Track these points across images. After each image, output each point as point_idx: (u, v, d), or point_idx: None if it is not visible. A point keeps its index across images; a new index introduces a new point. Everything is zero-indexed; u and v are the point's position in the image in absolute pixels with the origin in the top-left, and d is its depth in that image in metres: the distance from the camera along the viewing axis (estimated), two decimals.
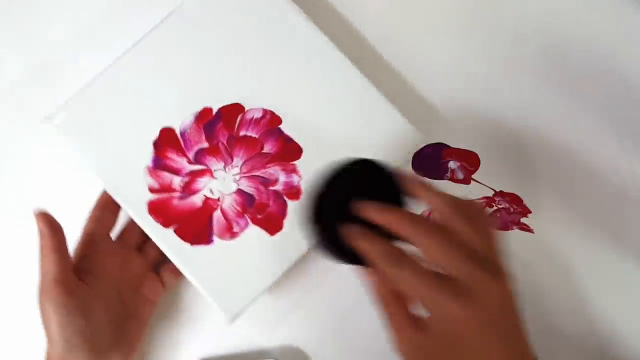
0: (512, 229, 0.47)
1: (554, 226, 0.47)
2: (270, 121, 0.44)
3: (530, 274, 0.45)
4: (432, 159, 0.48)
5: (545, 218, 0.47)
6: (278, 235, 0.43)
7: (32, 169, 0.49)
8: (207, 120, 0.44)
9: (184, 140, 0.43)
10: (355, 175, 0.36)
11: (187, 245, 0.42)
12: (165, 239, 0.42)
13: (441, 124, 0.48)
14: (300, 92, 0.44)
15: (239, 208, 0.43)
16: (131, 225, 0.45)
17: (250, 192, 0.43)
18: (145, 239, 0.44)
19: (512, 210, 0.47)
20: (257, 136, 0.44)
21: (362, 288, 0.44)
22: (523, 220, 0.47)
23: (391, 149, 0.43)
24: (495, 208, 0.48)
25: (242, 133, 0.44)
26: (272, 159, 0.43)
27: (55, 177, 0.48)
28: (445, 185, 0.47)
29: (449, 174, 0.48)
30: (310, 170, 0.43)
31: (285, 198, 0.43)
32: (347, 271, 0.45)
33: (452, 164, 0.48)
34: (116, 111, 0.43)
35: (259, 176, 0.43)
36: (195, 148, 0.43)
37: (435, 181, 0.47)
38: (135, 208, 0.42)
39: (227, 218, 0.43)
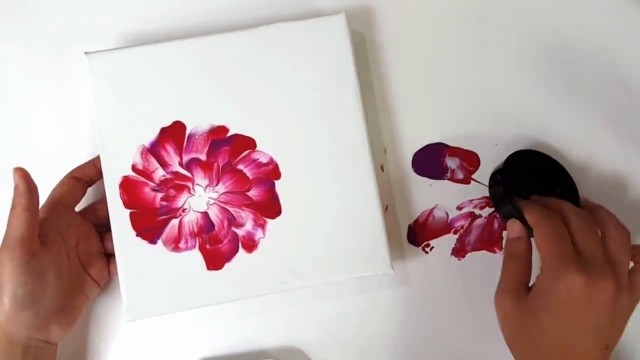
0: None
1: None
2: (271, 172, 0.44)
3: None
4: (432, 158, 0.48)
5: None
6: (213, 272, 0.43)
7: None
8: (218, 138, 0.44)
9: (188, 143, 0.44)
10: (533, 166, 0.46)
11: (133, 232, 0.43)
12: (119, 216, 0.43)
13: (441, 124, 0.49)
14: (313, 168, 0.44)
15: (195, 228, 0.43)
16: (100, 206, 0.46)
17: (214, 222, 0.43)
18: (108, 225, 0.43)
19: None
20: (251, 177, 0.44)
21: (361, 288, 0.46)
22: None
23: (361, 263, 0.43)
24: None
25: (239, 166, 0.44)
26: (251, 205, 0.44)
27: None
28: (445, 185, 0.48)
29: (449, 174, 0.48)
30: (277, 234, 0.43)
31: (240, 245, 0.43)
32: None
33: (452, 164, 0.48)
34: (149, 83, 0.44)
35: (230, 212, 0.44)
36: (193, 155, 0.44)
37: (435, 181, 0.48)
38: (110, 174, 0.43)
39: (181, 231, 0.43)
